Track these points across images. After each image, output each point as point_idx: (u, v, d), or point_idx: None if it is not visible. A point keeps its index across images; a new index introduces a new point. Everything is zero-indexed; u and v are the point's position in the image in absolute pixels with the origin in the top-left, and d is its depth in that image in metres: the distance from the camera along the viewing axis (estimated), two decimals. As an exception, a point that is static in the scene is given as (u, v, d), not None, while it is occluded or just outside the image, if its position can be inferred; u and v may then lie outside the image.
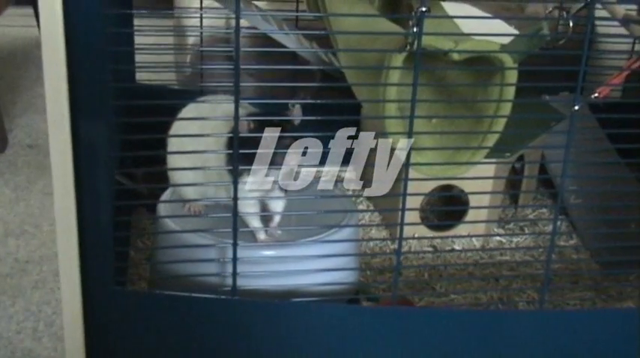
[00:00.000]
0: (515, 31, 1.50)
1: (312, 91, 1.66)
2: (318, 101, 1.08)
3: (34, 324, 1.32)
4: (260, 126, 1.13)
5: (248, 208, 1.20)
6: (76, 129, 0.96)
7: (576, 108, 1.02)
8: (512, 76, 1.14)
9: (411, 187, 1.07)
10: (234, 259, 1.04)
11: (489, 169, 1.49)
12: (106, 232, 1.01)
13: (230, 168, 1.07)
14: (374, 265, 1.51)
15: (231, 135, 1.06)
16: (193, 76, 2.08)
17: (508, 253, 1.58)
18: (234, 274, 1.05)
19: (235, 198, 1.03)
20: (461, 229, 1.59)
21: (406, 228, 1.09)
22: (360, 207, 1.73)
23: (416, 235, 1.56)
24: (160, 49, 1.63)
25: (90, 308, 1.05)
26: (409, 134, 1.02)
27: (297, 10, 1.73)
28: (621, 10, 1.26)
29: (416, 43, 0.99)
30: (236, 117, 0.98)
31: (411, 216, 1.51)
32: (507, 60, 1.13)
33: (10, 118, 2.30)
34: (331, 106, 1.06)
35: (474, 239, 1.61)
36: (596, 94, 1.15)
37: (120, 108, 1.11)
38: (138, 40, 1.59)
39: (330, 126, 1.06)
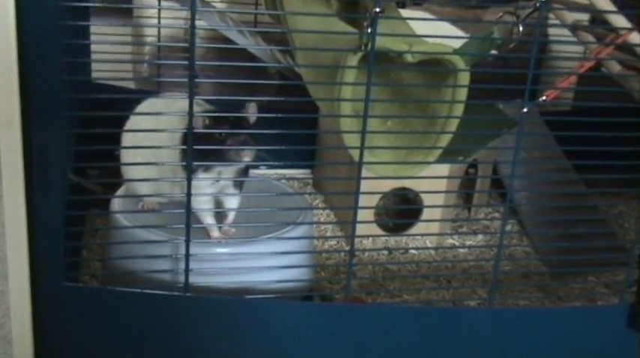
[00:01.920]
0: (465, 34, 1.52)
1: (270, 91, 1.67)
2: (275, 99, 1.09)
3: (-18, 327, 1.30)
4: (215, 123, 1.13)
5: (202, 204, 1.21)
6: (28, 126, 0.95)
7: (525, 110, 1.04)
8: (464, 78, 1.16)
9: (366, 187, 1.08)
10: (187, 256, 1.04)
11: (443, 172, 1.51)
12: (57, 227, 1.00)
13: (184, 163, 1.07)
14: (328, 265, 1.52)
15: (185, 130, 1.06)
16: (150, 78, 2.07)
17: (460, 254, 1.60)
18: (187, 271, 1.05)
19: (189, 194, 1.03)
20: (415, 230, 1.61)
21: (361, 230, 1.10)
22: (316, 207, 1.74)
23: (370, 236, 1.58)
24: (118, 47, 1.62)
25: (40, 304, 1.04)
26: (362, 133, 1.03)
27: (255, 8, 1.73)
28: (570, 16, 1.29)
29: (370, 43, 1.01)
30: (190, 113, 0.98)
31: (366, 216, 1.53)
32: (460, 62, 1.15)
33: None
34: (289, 106, 1.07)
35: (427, 240, 1.63)
36: (544, 97, 1.18)
37: (75, 106, 1.11)
38: (95, 39, 1.58)
39: (287, 125, 1.07)
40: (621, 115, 1.07)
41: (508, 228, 1.65)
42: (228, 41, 1.63)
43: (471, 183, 1.80)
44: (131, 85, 2.10)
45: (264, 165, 1.65)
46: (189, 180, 1.02)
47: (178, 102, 1.21)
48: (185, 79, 0.97)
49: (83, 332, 1.08)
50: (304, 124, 1.71)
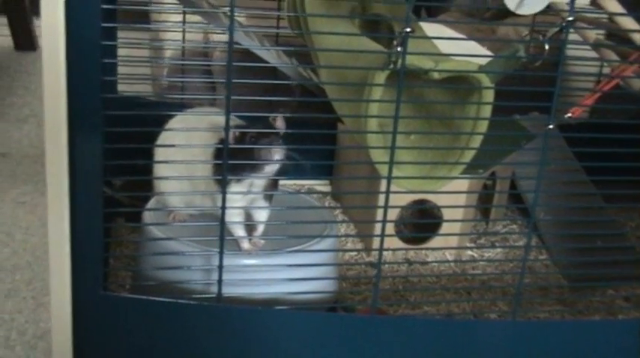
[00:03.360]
0: (488, 52, 1.55)
1: (291, 106, 1.69)
2: (299, 115, 1.11)
3: (7, 333, 1.32)
4: (244, 137, 1.16)
5: (233, 217, 1.23)
6: (71, 138, 0.98)
7: (551, 126, 1.07)
8: (489, 95, 1.19)
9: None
10: (221, 266, 1.07)
11: (463, 185, 1.54)
12: (97, 237, 1.03)
13: (218, 177, 1.10)
14: (349, 276, 1.54)
15: (219, 146, 1.09)
16: (170, 88, 2.10)
17: (480, 267, 1.62)
18: (220, 281, 1.08)
19: (223, 207, 1.05)
20: (434, 243, 1.64)
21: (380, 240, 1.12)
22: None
23: (391, 247, 1.60)
24: (142, 61, 1.65)
25: (77, 313, 1.07)
26: (392, 148, 1.06)
27: (277, 27, 1.76)
28: (592, 34, 1.32)
29: (400, 61, 1.04)
30: (227, 127, 1.01)
31: (386, 228, 1.54)
32: (485, 80, 1.18)
33: (-19, 127, 2.30)
34: (308, 120, 1.09)
35: (446, 252, 1.65)
36: (570, 114, 1.21)
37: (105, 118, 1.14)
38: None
39: (307, 138, 1.10)
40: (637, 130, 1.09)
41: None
42: (248, 55, 1.66)
43: (488, 197, 1.82)
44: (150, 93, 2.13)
45: (288, 177, 1.68)
46: (223, 193, 1.05)
47: (210, 117, 1.24)
48: (210, 96, 1.00)
49: (118, 341, 1.11)
50: (323, 138, 1.74)
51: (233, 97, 1.02)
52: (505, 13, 2.02)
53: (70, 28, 0.92)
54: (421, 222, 1.74)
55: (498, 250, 1.68)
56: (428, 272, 1.58)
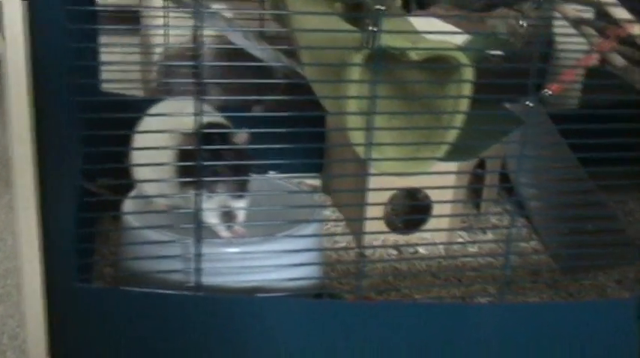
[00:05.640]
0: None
1: (276, 94, 1.68)
2: (279, 97, 1.10)
3: (-2, 337, 1.32)
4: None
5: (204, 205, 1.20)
6: (41, 131, 0.97)
7: (529, 104, 1.05)
8: (468, 74, 1.17)
9: (374, 185, 1.09)
10: (198, 255, 1.05)
11: (451, 169, 1.52)
12: (68, 229, 1.02)
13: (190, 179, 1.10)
14: (337, 261, 1.53)
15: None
16: (159, 88, 2.09)
17: (470, 252, 1.60)
18: (198, 270, 1.06)
19: (198, 195, 1.04)
20: (424, 232, 1.62)
21: (370, 229, 1.11)
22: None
23: (381, 238, 1.58)
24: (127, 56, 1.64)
25: (53, 306, 1.06)
26: (369, 129, 1.04)
27: (262, 8, 1.74)
28: (572, 10, 1.30)
29: (373, 41, 1.02)
30: (197, 129, 1.00)
31: (375, 214, 1.53)
32: (462, 58, 1.16)
33: (-29, 133, 2.29)
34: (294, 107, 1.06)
35: (436, 239, 1.63)
36: (550, 91, 1.19)
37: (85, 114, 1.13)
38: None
39: (294, 126, 1.08)
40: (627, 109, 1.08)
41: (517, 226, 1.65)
42: (233, 51, 1.64)
43: (480, 182, 1.81)
44: (139, 92, 2.12)
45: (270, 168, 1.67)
46: (198, 182, 1.04)
47: (188, 107, 1.22)
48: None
49: (96, 334, 1.10)
50: (310, 127, 1.72)
51: (209, 82, 1.01)
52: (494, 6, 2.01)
53: (35, 30, 0.92)
54: (410, 206, 1.73)
55: (489, 235, 1.67)
56: (418, 261, 1.57)
